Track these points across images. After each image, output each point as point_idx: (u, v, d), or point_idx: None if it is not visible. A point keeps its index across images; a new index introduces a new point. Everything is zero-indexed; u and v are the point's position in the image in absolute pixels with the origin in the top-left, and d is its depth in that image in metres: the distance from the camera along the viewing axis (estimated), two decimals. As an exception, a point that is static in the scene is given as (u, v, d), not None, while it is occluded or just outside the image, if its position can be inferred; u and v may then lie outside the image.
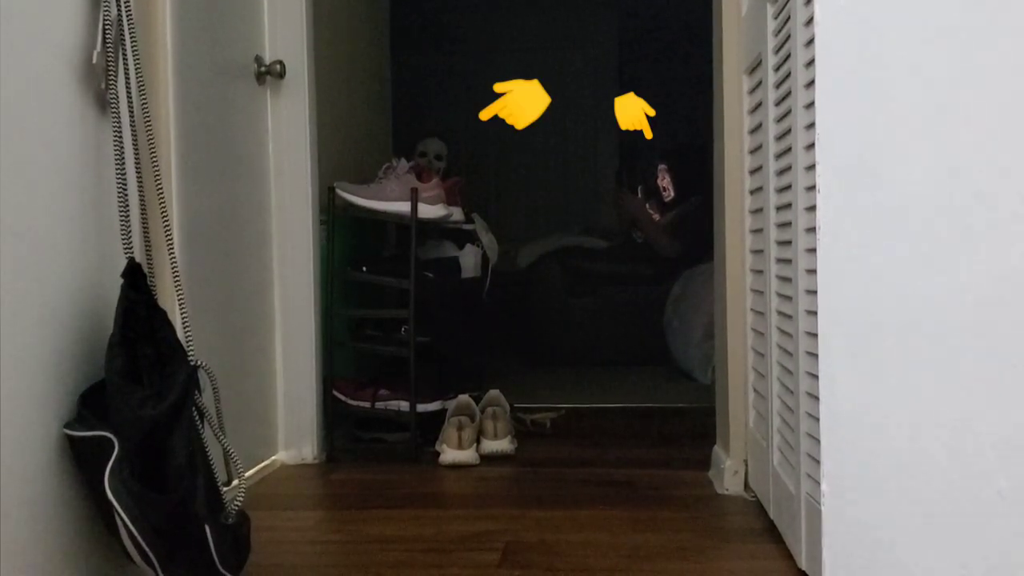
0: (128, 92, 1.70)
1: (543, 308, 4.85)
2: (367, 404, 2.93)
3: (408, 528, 2.15)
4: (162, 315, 1.67)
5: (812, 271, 1.55)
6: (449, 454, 2.73)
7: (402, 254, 3.19)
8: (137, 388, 1.57)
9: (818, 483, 1.51)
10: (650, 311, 4.55)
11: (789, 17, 1.75)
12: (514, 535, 2.07)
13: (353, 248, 3.14)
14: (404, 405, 2.90)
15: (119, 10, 1.67)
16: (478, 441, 2.81)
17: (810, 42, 1.58)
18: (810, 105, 1.59)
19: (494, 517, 2.23)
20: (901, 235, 1.45)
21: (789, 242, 1.77)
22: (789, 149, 1.78)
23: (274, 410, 2.75)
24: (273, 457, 2.74)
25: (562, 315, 4.82)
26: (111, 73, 1.65)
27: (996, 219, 1.42)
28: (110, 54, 1.65)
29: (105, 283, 1.65)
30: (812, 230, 1.54)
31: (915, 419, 1.45)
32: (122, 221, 1.62)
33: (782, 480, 1.88)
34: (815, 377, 1.56)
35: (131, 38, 1.69)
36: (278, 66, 2.67)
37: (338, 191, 2.92)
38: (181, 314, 1.74)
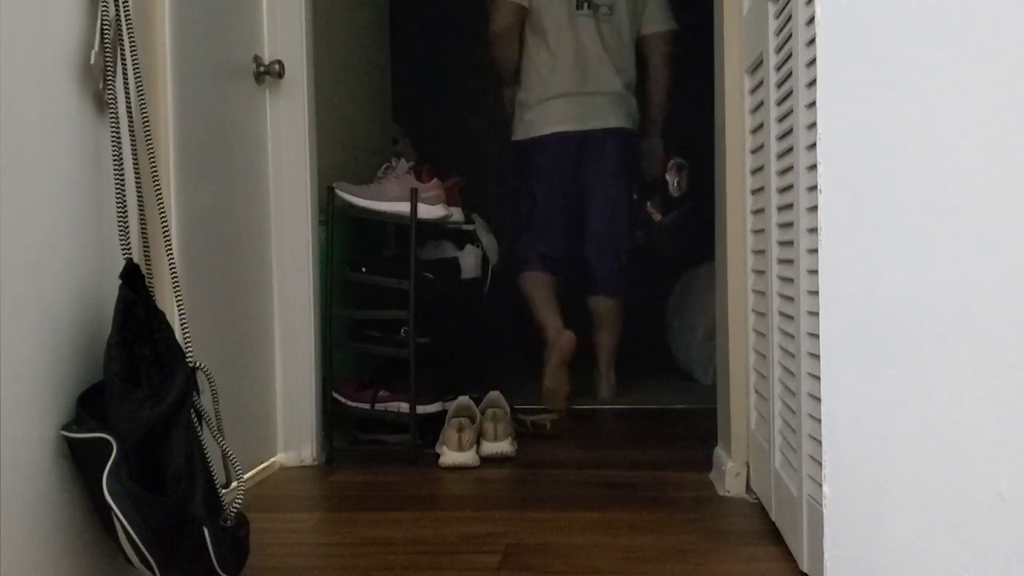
0: (127, 92, 1.69)
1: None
2: (367, 405, 2.93)
3: (408, 530, 2.15)
4: (160, 316, 1.66)
5: (814, 271, 1.54)
6: (449, 456, 2.72)
7: (402, 254, 3.19)
8: (135, 389, 1.57)
9: (820, 485, 1.50)
10: (651, 312, 4.54)
11: (790, 16, 1.75)
12: (514, 537, 2.06)
13: (353, 248, 3.13)
14: (404, 406, 2.89)
15: (117, 10, 1.66)
16: (478, 443, 2.80)
17: (811, 41, 1.58)
18: (811, 105, 1.58)
19: (494, 519, 2.22)
20: (903, 235, 1.44)
21: (791, 242, 1.77)
22: (791, 149, 1.77)
23: (273, 411, 2.74)
24: (272, 459, 2.73)
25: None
26: (109, 73, 1.64)
27: (998, 219, 1.41)
28: (108, 54, 1.64)
29: (104, 284, 1.65)
30: (814, 230, 1.53)
31: (917, 420, 1.44)
32: (120, 221, 1.62)
33: (784, 482, 1.87)
34: (817, 378, 1.55)
35: (129, 38, 1.68)
36: (277, 66, 2.66)
37: (337, 191, 2.91)
38: (180, 315, 1.73)
